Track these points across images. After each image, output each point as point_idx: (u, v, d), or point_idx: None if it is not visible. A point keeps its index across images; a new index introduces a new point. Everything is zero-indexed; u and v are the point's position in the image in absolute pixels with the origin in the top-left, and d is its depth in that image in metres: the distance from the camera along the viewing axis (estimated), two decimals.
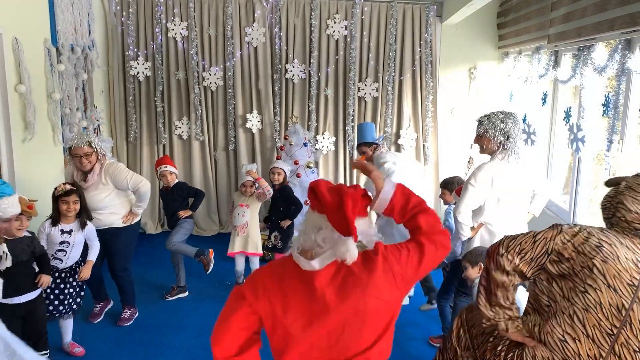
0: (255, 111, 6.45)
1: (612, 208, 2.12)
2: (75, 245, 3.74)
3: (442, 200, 4.51)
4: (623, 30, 3.50)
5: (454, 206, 3.88)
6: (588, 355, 1.97)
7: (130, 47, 6.29)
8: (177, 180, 4.75)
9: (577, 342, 1.98)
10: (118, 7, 6.21)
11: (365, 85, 6.39)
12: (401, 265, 1.82)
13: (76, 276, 3.80)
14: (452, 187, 4.20)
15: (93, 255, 3.85)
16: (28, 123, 4.78)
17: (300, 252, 1.82)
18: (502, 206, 3.60)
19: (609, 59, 3.73)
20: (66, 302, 3.76)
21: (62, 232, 3.71)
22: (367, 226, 1.85)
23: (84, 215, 3.78)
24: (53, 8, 5.13)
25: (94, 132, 5.77)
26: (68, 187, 3.70)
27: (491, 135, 3.57)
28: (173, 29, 6.26)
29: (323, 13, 6.26)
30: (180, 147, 6.60)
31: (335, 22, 6.26)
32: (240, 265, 4.88)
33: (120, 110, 6.48)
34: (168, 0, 6.22)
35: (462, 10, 5.40)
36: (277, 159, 6.16)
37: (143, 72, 6.35)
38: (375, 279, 1.77)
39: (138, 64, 6.32)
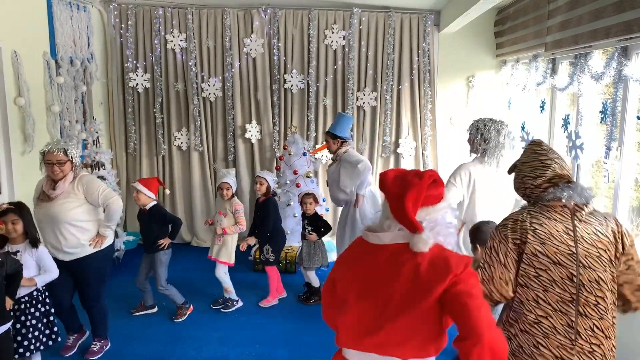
0: (254, 121, 6.46)
1: (522, 189, 2.36)
2: (25, 268, 3.32)
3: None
4: (619, 37, 3.51)
5: None
6: (562, 325, 2.16)
7: (129, 59, 6.32)
8: (154, 203, 4.49)
9: (549, 318, 2.17)
10: (117, 20, 6.24)
11: (364, 95, 6.41)
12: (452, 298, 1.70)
13: (39, 306, 3.46)
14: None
15: (40, 278, 3.43)
16: (27, 136, 4.80)
17: (369, 229, 1.93)
18: (479, 206, 3.88)
19: (606, 66, 3.74)
20: (30, 336, 3.40)
21: (8, 253, 3.34)
22: (438, 214, 1.84)
23: (30, 236, 3.43)
24: (52, 21, 5.16)
25: (94, 144, 5.78)
26: (4, 206, 3.39)
27: (473, 138, 3.98)
28: (172, 41, 6.29)
29: (321, 23, 6.29)
30: (179, 158, 6.61)
31: (333, 32, 6.28)
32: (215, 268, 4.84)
33: (119, 122, 6.50)
34: (167, 12, 6.25)
35: (458, 19, 5.43)
36: (277, 169, 6.18)
37: (142, 84, 6.38)
38: (428, 280, 1.73)
39: (137, 75, 6.34)
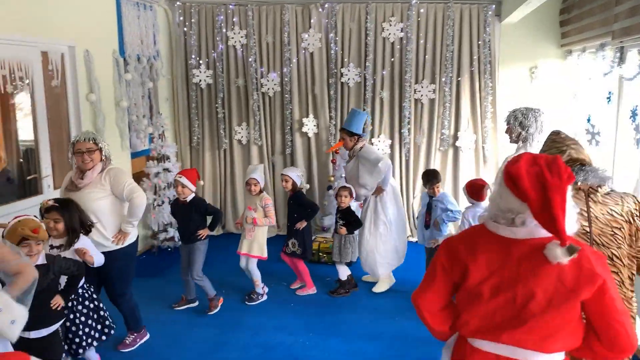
0: (311, 115, 6.55)
1: None
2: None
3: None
4: None
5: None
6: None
7: (193, 56, 6.56)
8: (193, 195, 4.51)
9: None
10: (181, 18, 6.50)
11: (422, 87, 6.35)
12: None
13: (86, 302, 3.42)
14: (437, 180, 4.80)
15: (96, 258, 3.38)
16: (98, 130, 5.10)
17: (494, 219, 1.86)
18: None
19: None
20: (80, 333, 3.35)
21: (52, 247, 3.29)
22: (574, 212, 1.79)
23: (72, 234, 3.31)
24: (121, 21, 5.45)
25: (159, 138, 6.05)
26: (50, 203, 3.30)
27: (512, 126, 4.24)
28: (233, 37, 6.47)
29: (378, 16, 6.28)
30: (239, 151, 6.81)
31: (390, 25, 6.25)
32: (243, 262, 4.85)
33: (183, 116, 6.77)
34: (228, 9, 6.44)
35: (520, 8, 5.26)
36: (332, 162, 6.25)
37: (205, 80, 6.61)
38: (574, 281, 1.74)
39: (200, 72, 6.58)
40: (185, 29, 6.53)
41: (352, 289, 5.04)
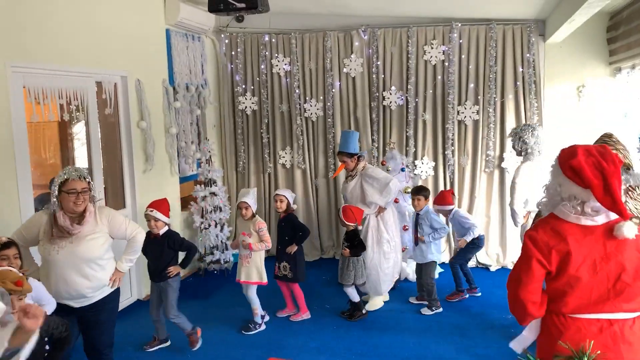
0: None
1: None
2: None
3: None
4: None
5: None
6: None
7: (239, 84, 6.78)
8: (167, 228, 4.22)
9: None
10: (227, 48, 6.75)
11: (465, 109, 6.31)
12: None
13: None
14: (426, 194, 5.21)
15: (48, 308, 2.91)
16: (148, 155, 5.33)
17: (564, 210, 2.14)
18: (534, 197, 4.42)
19: None
20: None
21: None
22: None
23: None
24: (170, 51, 5.72)
25: (207, 163, 6.23)
26: (4, 239, 2.94)
27: (515, 144, 4.94)
28: (277, 65, 6.66)
29: (420, 39, 6.32)
30: (284, 175, 6.93)
31: (432, 48, 6.28)
32: (245, 289, 4.71)
33: (230, 142, 6.97)
34: (272, 38, 6.64)
35: (563, 27, 5.20)
36: None
37: (250, 107, 6.80)
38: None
39: (246, 99, 6.79)
40: (232, 57, 6.77)
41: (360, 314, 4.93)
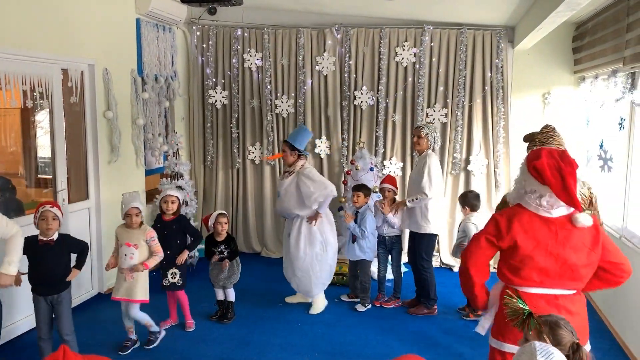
0: (324, 137, 6.62)
1: None
2: None
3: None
4: None
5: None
6: None
7: (209, 77, 6.70)
8: (58, 232, 3.65)
9: None
10: (199, 40, 6.66)
11: (434, 111, 6.39)
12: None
13: None
14: (366, 192, 5.16)
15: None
16: (114, 146, 5.22)
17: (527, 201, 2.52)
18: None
19: None
20: None
21: None
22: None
23: None
24: (140, 41, 5.61)
25: (174, 156, 6.14)
26: None
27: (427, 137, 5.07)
28: (249, 60, 6.61)
29: (392, 41, 6.37)
30: (252, 171, 6.89)
31: (404, 50, 6.34)
32: (124, 309, 4.13)
33: (198, 135, 6.88)
34: (245, 32, 6.59)
35: (531, 34, 5.31)
36: (344, 183, 6.28)
37: (220, 101, 6.74)
38: (593, 241, 2.47)
39: (216, 92, 6.72)
40: (202, 50, 6.69)
41: None
